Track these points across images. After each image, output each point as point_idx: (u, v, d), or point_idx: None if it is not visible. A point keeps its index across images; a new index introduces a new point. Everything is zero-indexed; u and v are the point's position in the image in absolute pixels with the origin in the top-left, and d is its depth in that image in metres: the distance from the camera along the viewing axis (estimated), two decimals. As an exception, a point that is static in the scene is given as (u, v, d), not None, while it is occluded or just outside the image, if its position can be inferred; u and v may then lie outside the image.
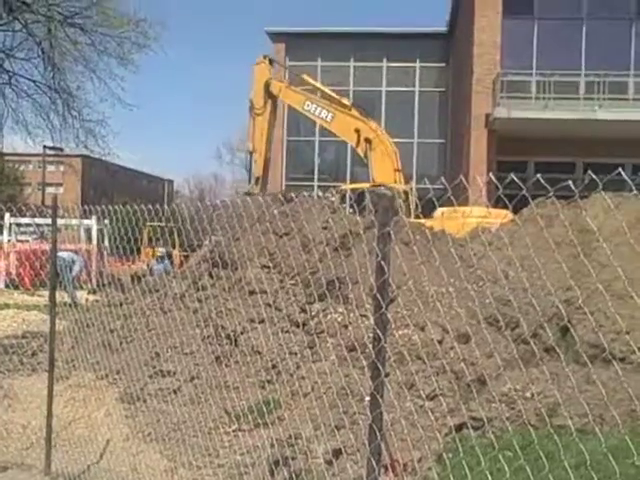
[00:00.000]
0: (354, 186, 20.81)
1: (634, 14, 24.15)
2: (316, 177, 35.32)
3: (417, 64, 35.23)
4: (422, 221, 10.04)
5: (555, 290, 8.59)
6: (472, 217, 12.05)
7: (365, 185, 19.02)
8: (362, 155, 20.60)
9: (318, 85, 22.17)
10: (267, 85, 22.54)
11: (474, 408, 6.28)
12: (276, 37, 35.92)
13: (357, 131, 20.42)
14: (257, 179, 22.85)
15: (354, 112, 20.79)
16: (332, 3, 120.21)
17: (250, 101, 23.18)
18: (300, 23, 73.70)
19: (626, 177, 2.58)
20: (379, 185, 17.44)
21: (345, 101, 21.23)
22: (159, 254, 23.47)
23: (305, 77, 22.45)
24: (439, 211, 12.24)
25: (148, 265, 22.07)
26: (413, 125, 34.38)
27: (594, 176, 2.59)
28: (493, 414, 6.30)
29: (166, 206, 8.43)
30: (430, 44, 34.82)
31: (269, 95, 22.60)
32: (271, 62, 23.07)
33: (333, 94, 21.56)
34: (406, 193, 18.40)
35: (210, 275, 9.41)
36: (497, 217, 9.60)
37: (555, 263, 7.83)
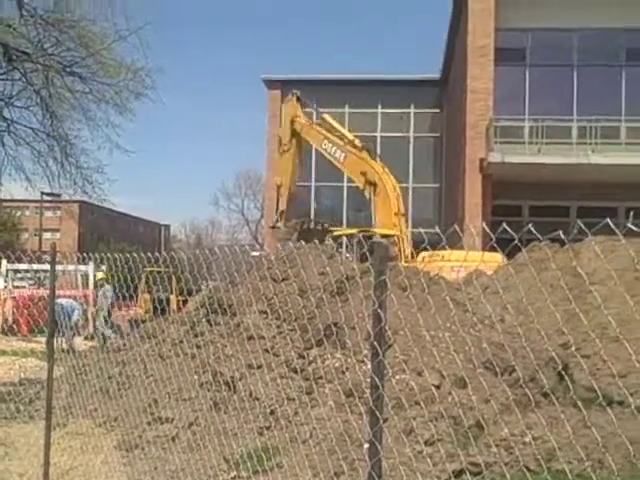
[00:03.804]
0: (343, 232, 20.66)
1: (623, 61, 24.58)
2: (313, 222, 35.41)
3: (412, 110, 35.65)
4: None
5: (551, 333, 8.63)
6: (453, 261, 12.14)
7: (353, 230, 19.05)
8: (367, 198, 20.62)
9: (336, 125, 22.08)
10: (293, 122, 22.99)
11: (473, 453, 6.27)
12: (272, 84, 36.39)
13: (364, 174, 20.35)
14: (281, 212, 23.36)
15: (364, 154, 20.66)
16: (327, 51, 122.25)
17: (279, 137, 23.71)
18: (296, 71, 74.61)
19: (610, 223, 2.65)
20: (365, 230, 17.59)
21: (357, 142, 21.09)
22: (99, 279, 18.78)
23: (326, 117, 22.53)
24: (422, 255, 12.57)
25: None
26: (408, 170, 34.64)
27: (581, 224, 2.67)
28: (492, 459, 6.28)
29: (164, 252, 8.49)
30: (424, 91, 35.27)
31: (294, 132, 23.00)
32: (299, 100, 23.27)
33: (349, 135, 21.54)
34: (398, 238, 18.39)
35: (208, 321, 9.43)
36: (492, 261, 9.69)
37: (551, 306, 7.88)
